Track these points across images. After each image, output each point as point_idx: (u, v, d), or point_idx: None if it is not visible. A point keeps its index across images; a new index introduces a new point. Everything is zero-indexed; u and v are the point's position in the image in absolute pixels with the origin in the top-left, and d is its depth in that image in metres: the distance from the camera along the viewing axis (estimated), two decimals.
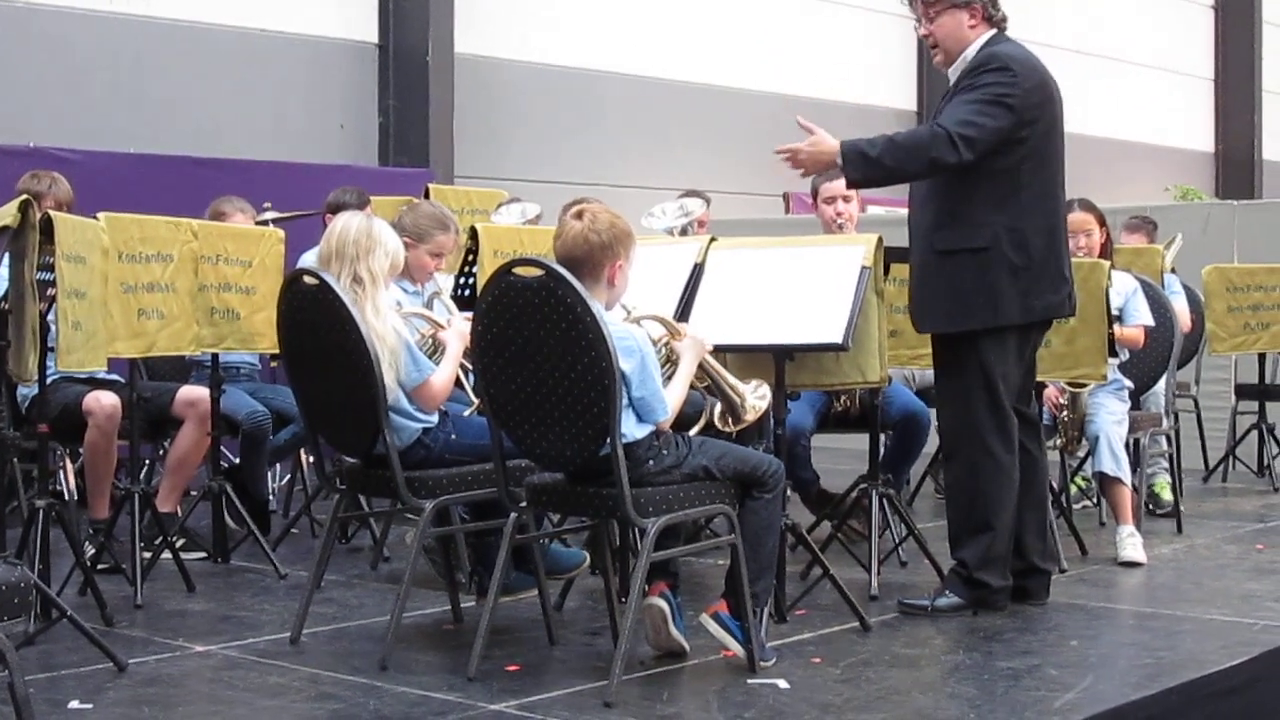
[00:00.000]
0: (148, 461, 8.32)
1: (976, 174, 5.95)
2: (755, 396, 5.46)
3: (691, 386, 5.36)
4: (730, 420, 5.48)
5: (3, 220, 5.31)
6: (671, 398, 5.10)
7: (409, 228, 6.75)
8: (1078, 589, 6.69)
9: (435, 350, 5.86)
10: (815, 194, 7.94)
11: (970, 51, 6.08)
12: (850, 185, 6.27)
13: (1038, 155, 6.03)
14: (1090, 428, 7.52)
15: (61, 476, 7.78)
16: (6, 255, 5.44)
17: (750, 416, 5.47)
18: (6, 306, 5.46)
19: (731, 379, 5.47)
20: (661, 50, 16.01)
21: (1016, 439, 6.13)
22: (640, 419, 4.99)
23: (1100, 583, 6.90)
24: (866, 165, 5.95)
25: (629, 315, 5.24)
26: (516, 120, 14.69)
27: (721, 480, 5.16)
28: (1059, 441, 7.58)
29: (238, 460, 7.95)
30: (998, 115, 5.89)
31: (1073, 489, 8.49)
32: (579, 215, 5.07)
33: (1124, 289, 7.63)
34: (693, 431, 5.36)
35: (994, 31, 6.11)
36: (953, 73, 6.16)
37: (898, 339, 6.66)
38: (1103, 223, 7.74)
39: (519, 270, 4.95)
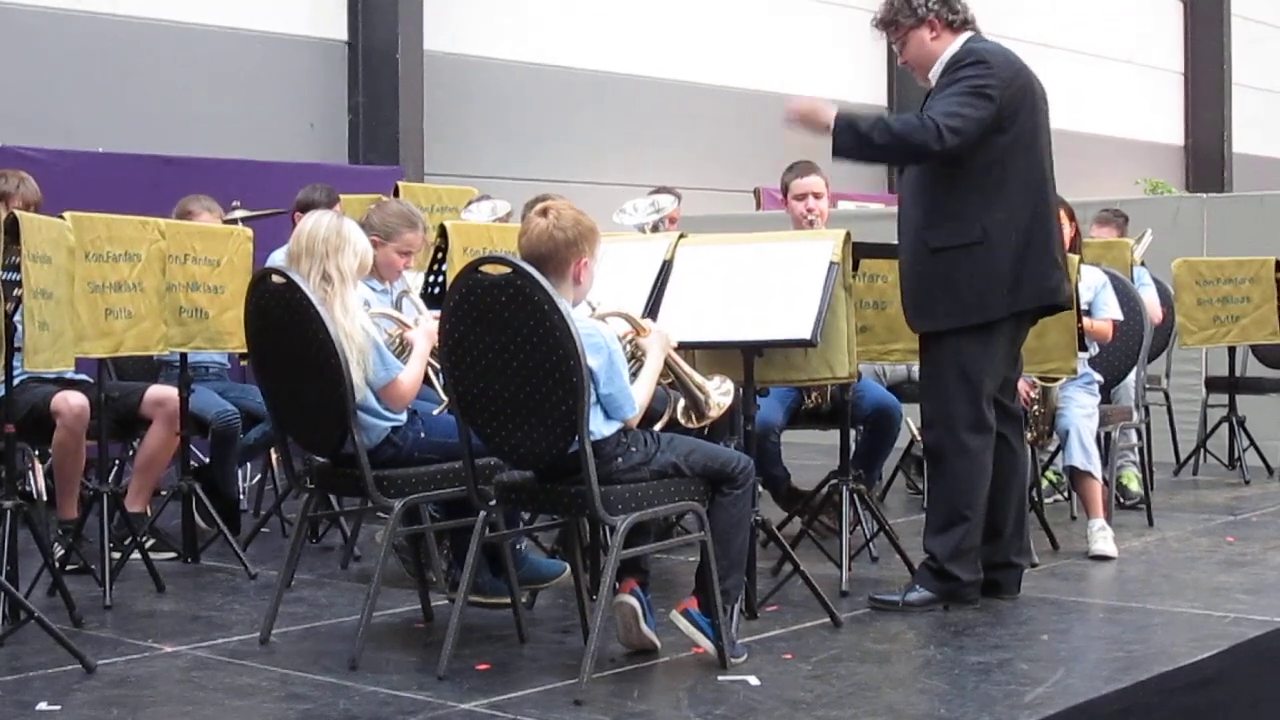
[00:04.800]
0: (116, 461, 8.31)
1: (963, 168, 5.98)
2: (719, 393, 5.45)
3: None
4: (694, 417, 5.47)
5: None
6: (639, 394, 5.10)
7: (377, 226, 6.73)
8: (1049, 583, 6.70)
9: (403, 350, 5.85)
10: (786, 190, 7.95)
11: (945, 58, 6.12)
12: (836, 154, 6.26)
13: (1021, 146, 6.06)
14: (1061, 422, 7.54)
15: (30, 477, 7.75)
16: None
17: (714, 413, 5.46)
18: None
19: (696, 375, 5.46)
20: (632, 47, 16.01)
21: (993, 434, 6.14)
22: (608, 416, 4.99)
23: (1071, 576, 6.92)
24: (855, 139, 5.99)
25: (593, 312, 5.23)
26: (486, 118, 14.68)
27: (691, 477, 5.16)
28: (1030, 435, 7.59)
29: (207, 460, 7.92)
30: (978, 105, 5.93)
31: (1044, 483, 8.51)
32: (544, 212, 5.07)
33: (1093, 283, 7.67)
34: (657, 427, 5.35)
35: (968, 34, 6.16)
36: (932, 78, 6.20)
37: (868, 334, 6.66)
38: (1071, 217, 7.76)
39: (486, 268, 4.94)
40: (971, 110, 5.93)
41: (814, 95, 6.12)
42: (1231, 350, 10.32)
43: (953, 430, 6.10)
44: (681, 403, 5.50)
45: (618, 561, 4.97)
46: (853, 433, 7.17)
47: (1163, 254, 10.04)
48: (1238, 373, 10.49)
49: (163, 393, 7.15)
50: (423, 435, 5.66)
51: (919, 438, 6.88)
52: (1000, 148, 6.01)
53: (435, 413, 6.00)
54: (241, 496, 8.45)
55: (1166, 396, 10.49)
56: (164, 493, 7.63)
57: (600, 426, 4.96)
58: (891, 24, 6.25)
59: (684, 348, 5.58)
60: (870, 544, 7.17)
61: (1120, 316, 7.83)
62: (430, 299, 6.55)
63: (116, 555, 6.60)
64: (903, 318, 6.32)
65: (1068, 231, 7.68)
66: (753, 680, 5.03)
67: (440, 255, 6.75)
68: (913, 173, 6.20)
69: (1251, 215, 11.59)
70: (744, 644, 5.37)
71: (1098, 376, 7.80)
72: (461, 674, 5.12)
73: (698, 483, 5.19)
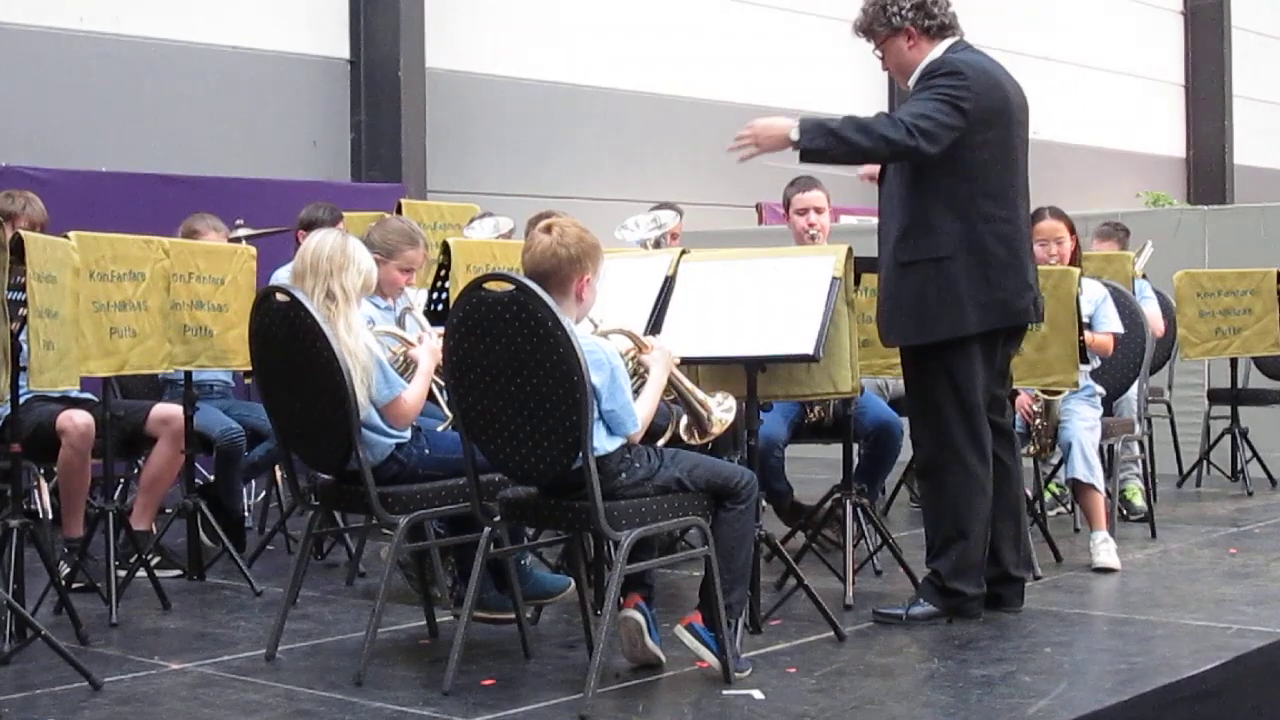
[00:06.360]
0: (122, 480, 8.32)
1: (936, 182, 5.98)
2: (721, 410, 5.46)
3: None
4: (696, 433, 5.49)
5: None
6: (642, 410, 5.11)
7: (378, 244, 6.75)
8: (1052, 595, 6.71)
9: (407, 367, 5.86)
10: (788, 205, 7.96)
11: (924, 66, 6.13)
12: (803, 158, 6.22)
13: (996, 161, 6.06)
14: (1063, 434, 7.55)
15: (36, 495, 7.76)
16: None
17: (716, 429, 5.47)
18: None
19: (698, 391, 5.47)
20: (633, 63, 16.03)
21: (990, 447, 6.14)
22: (611, 432, 5.00)
23: (1074, 589, 6.93)
24: (822, 134, 5.94)
25: (596, 329, 5.25)
26: (488, 134, 14.70)
27: (694, 492, 5.17)
28: (1032, 449, 7.61)
29: (212, 477, 7.94)
30: (949, 113, 5.91)
31: (1047, 496, 8.52)
32: (547, 229, 5.09)
33: (1093, 296, 7.67)
34: (660, 443, 5.37)
35: (952, 41, 6.16)
36: (911, 85, 6.21)
37: (870, 349, 6.67)
38: (1072, 230, 7.78)
39: (489, 285, 4.96)
40: (942, 116, 5.91)
41: (760, 120, 6.07)
42: (1234, 362, 10.33)
43: (950, 446, 6.10)
44: (684, 419, 5.51)
45: (622, 576, 4.98)
46: (855, 447, 7.19)
47: (1164, 266, 10.06)
48: (1240, 384, 10.49)
49: (167, 411, 7.17)
50: (427, 452, 5.68)
51: None
52: (974, 163, 6.00)
53: (439, 429, 6.02)
54: (246, 514, 8.45)
55: (1169, 408, 10.51)
56: (169, 510, 7.64)
57: (603, 442, 4.97)
58: (868, 32, 6.27)
59: (687, 363, 5.59)
60: (874, 558, 7.18)
61: (1121, 330, 7.84)
62: (433, 316, 6.57)
63: (122, 573, 6.61)
64: None
65: (1069, 244, 7.72)
66: (757, 694, 5.04)
67: (443, 272, 6.77)
68: (891, 187, 6.20)
69: (1253, 227, 11.62)
70: (748, 658, 5.38)
71: (1100, 389, 7.81)
72: (467, 689, 5.13)
73: (701, 498, 5.20)
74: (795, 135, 5.94)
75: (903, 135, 5.87)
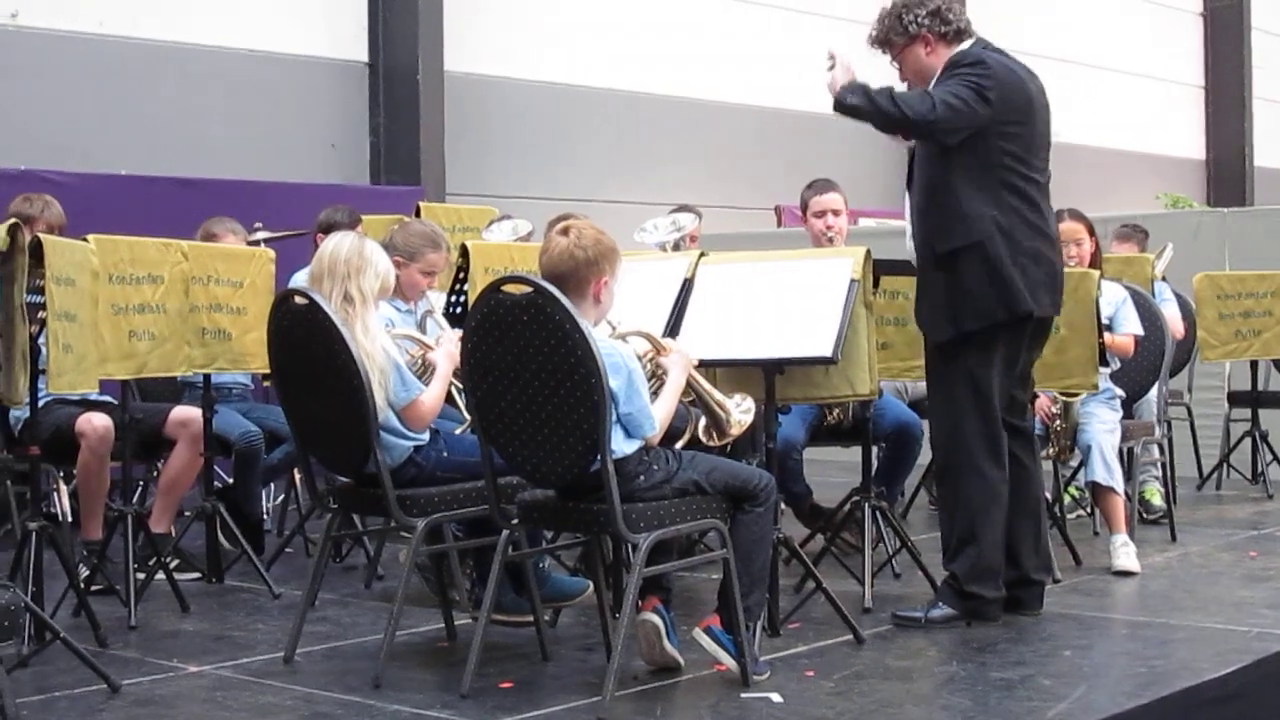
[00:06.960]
0: (140, 482, 8.33)
1: (965, 172, 5.98)
2: (740, 411, 5.45)
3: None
4: (714, 435, 5.48)
5: None
6: (659, 413, 5.11)
7: (400, 246, 6.75)
8: (1071, 598, 6.69)
9: (425, 371, 5.86)
10: (805, 207, 7.96)
11: (947, 62, 6.14)
12: (836, 107, 6.23)
13: (1022, 153, 6.07)
14: (1082, 437, 7.53)
15: (55, 498, 7.78)
16: None
17: (734, 431, 5.47)
18: None
19: (717, 394, 5.47)
20: (651, 66, 16.01)
21: (1005, 451, 6.13)
22: (629, 434, 4.99)
23: (1094, 592, 6.91)
24: (863, 92, 6.01)
25: (614, 331, 5.25)
26: (507, 137, 14.70)
27: (712, 494, 5.17)
28: (1051, 451, 7.59)
29: (231, 480, 7.94)
30: (973, 101, 5.93)
31: (1066, 499, 8.50)
32: (565, 231, 5.09)
33: (1113, 298, 7.65)
34: (678, 445, 5.36)
35: (970, 42, 6.17)
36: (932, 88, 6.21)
37: (889, 351, 6.66)
38: (1092, 232, 7.76)
39: (507, 288, 4.96)
40: (969, 96, 5.95)
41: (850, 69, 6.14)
42: (1254, 364, 10.31)
43: (965, 449, 6.09)
44: (703, 421, 5.51)
45: (640, 579, 4.97)
46: (874, 449, 7.17)
47: (1184, 268, 10.04)
48: (1260, 387, 10.47)
49: (186, 414, 7.18)
50: (445, 455, 5.67)
51: None
52: (1003, 152, 6.01)
53: (458, 432, 6.02)
54: (265, 516, 8.45)
55: (1189, 411, 10.47)
56: (188, 513, 7.66)
57: (621, 445, 4.96)
58: (885, 42, 6.28)
59: (705, 366, 5.59)
60: (892, 561, 7.17)
61: (1141, 332, 7.82)
62: (452, 319, 6.57)
63: (141, 576, 6.63)
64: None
65: (1088, 246, 7.70)
66: (775, 697, 5.03)
67: (462, 275, 6.77)
68: (919, 190, 6.19)
69: (1273, 229, 11.58)
70: (766, 661, 5.38)
71: (1119, 392, 7.78)
72: (485, 692, 5.13)
73: (719, 500, 5.19)
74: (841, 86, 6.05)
75: (928, 108, 5.92)
